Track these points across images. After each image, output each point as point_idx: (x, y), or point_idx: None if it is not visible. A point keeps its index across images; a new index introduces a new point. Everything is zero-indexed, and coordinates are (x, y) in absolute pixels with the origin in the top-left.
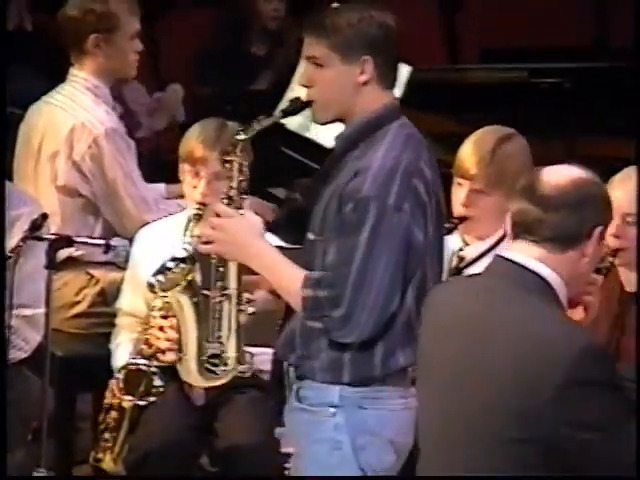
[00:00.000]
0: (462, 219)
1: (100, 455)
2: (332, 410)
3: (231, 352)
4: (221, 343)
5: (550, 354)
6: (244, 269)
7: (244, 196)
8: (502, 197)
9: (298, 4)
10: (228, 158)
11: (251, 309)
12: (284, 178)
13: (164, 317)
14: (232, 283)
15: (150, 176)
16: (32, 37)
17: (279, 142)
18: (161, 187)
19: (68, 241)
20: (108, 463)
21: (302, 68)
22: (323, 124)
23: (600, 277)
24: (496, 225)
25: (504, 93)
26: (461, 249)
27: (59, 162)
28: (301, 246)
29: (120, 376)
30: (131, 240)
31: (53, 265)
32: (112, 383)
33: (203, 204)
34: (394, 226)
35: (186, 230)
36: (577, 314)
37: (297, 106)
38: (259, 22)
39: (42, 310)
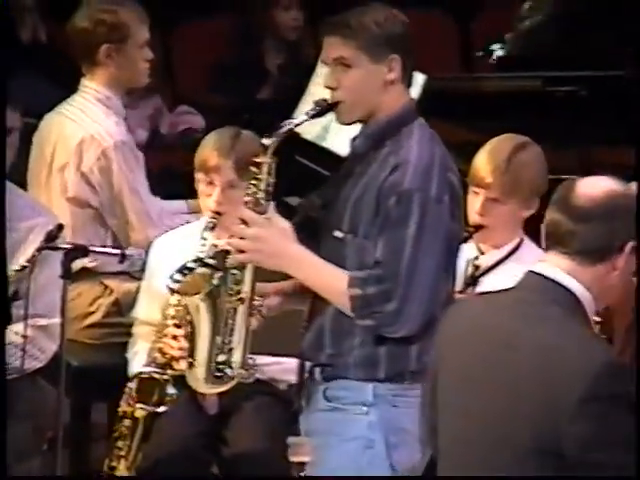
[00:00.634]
0: (477, 227)
1: (114, 463)
2: (365, 408)
3: (237, 358)
4: (231, 349)
5: (571, 368)
6: (259, 275)
7: (270, 201)
8: (517, 205)
9: (316, 13)
10: (258, 160)
11: (259, 316)
12: (299, 187)
13: (177, 326)
14: (246, 287)
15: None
16: (47, 47)
17: (294, 151)
18: (180, 203)
19: (84, 251)
20: (122, 471)
21: (323, 70)
22: (347, 124)
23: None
24: (511, 234)
25: (519, 101)
26: (476, 257)
27: (69, 174)
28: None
29: (133, 385)
30: (147, 250)
31: (69, 275)
32: (126, 392)
33: (218, 213)
34: (437, 218)
35: (202, 239)
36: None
37: (324, 108)
38: (277, 32)
39: (57, 320)
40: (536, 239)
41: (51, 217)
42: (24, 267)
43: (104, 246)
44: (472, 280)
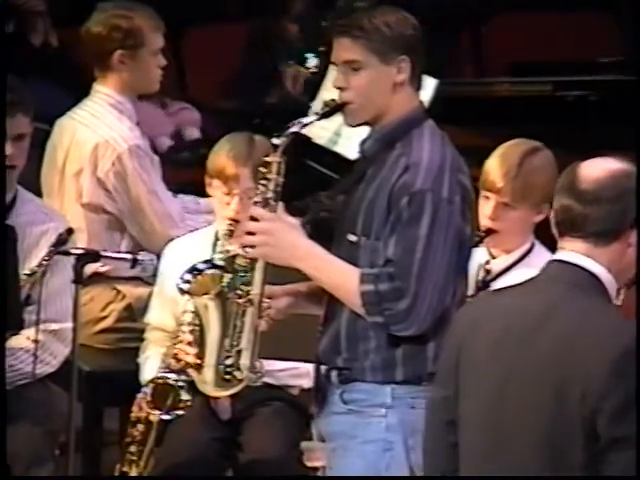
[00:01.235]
0: (488, 232)
1: (126, 468)
2: (383, 411)
3: (245, 360)
4: (239, 351)
5: (600, 347)
6: (269, 275)
7: (279, 200)
8: (528, 210)
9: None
10: (268, 160)
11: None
12: (309, 192)
13: (192, 332)
14: (256, 289)
15: None
16: (57, 52)
17: (305, 155)
18: (197, 200)
19: (95, 256)
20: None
21: (333, 72)
22: (355, 126)
23: None
24: (522, 238)
25: (530, 106)
26: (487, 262)
27: (84, 180)
28: None
29: (148, 390)
30: (158, 255)
31: (80, 280)
32: (139, 397)
33: (236, 220)
34: (448, 218)
35: (214, 246)
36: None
37: (332, 108)
38: (287, 39)
39: (69, 325)
40: (547, 244)
41: (62, 221)
42: (34, 272)
43: (116, 251)
44: (483, 284)
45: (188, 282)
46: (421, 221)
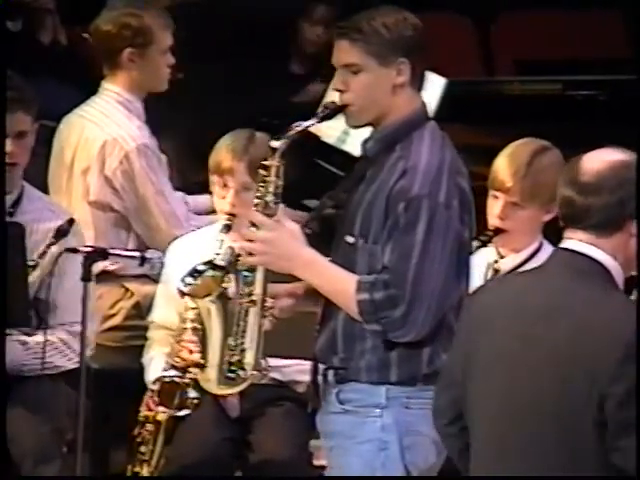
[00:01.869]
0: (497, 231)
1: (137, 468)
2: (378, 411)
3: (249, 359)
4: (243, 350)
5: (608, 333)
6: (271, 276)
7: (279, 203)
8: (537, 210)
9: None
10: (266, 163)
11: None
12: (318, 190)
13: (195, 331)
14: (258, 289)
15: None
16: (66, 50)
17: (314, 154)
18: (206, 198)
19: (103, 253)
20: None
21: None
22: (356, 128)
23: None
24: (531, 238)
25: (540, 105)
26: (496, 261)
27: (91, 177)
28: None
29: (154, 388)
30: (163, 253)
31: (89, 277)
32: (147, 396)
33: (232, 215)
34: (445, 223)
35: (218, 241)
36: None
37: (332, 110)
38: (302, 45)
39: (91, 326)
40: (555, 243)
41: (68, 217)
42: (36, 263)
43: (125, 249)
44: None
45: (189, 285)
46: (417, 227)
